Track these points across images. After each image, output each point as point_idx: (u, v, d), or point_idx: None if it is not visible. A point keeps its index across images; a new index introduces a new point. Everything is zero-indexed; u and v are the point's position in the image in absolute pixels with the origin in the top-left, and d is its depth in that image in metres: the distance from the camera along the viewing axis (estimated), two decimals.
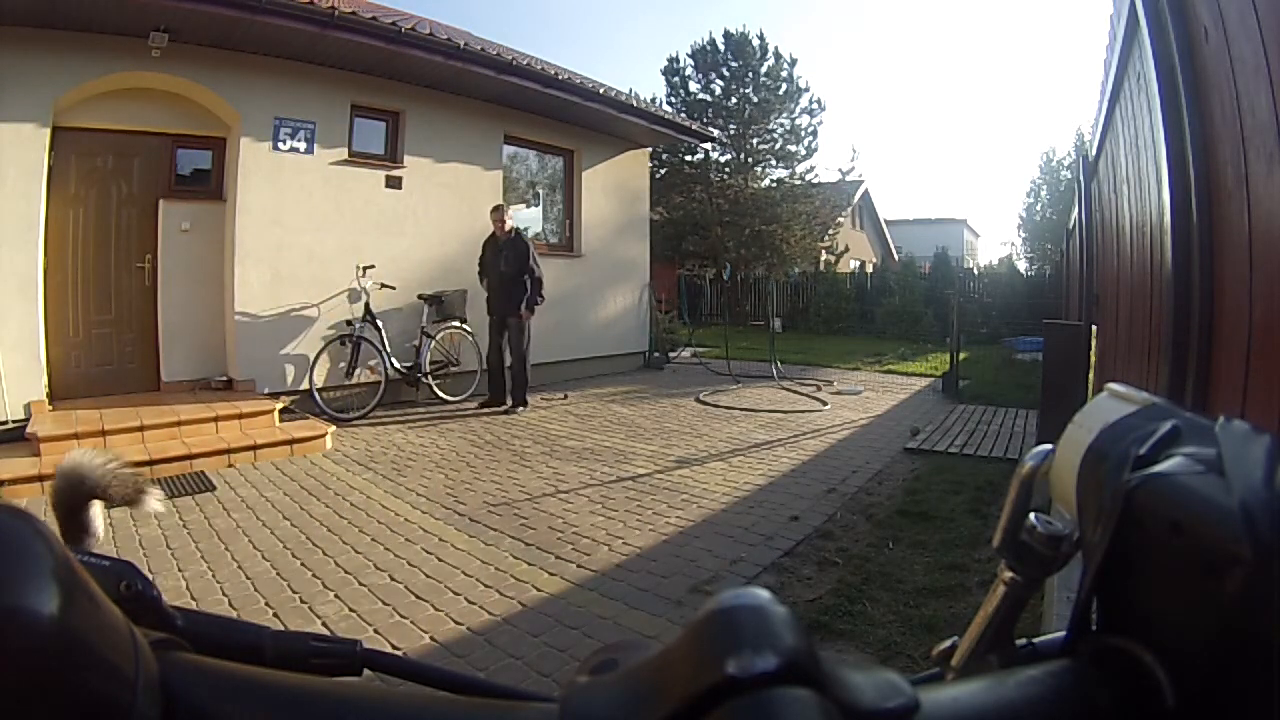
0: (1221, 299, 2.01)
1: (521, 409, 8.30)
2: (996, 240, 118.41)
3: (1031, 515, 0.43)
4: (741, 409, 8.79)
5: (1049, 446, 0.43)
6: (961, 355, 10.80)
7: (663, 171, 23.23)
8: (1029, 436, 7.24)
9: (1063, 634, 0.38)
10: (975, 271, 25.89)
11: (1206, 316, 2.08)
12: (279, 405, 6.89)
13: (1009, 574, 0.45)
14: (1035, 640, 0.44)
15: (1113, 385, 0.40)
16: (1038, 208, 34.27)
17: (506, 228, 8.12)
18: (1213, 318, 2.07)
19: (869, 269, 28.04)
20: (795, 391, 10.17)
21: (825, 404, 9.12)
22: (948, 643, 0.48)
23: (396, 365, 8.00)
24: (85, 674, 0.27)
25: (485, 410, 8.32)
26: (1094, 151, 6.26)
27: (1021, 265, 30.38)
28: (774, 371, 11.37)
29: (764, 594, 0.29)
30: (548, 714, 0.31)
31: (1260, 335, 1.66)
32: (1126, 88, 3.84)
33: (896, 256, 33.87)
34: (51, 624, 0.26)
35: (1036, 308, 16.30)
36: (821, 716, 0.25)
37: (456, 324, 8.49)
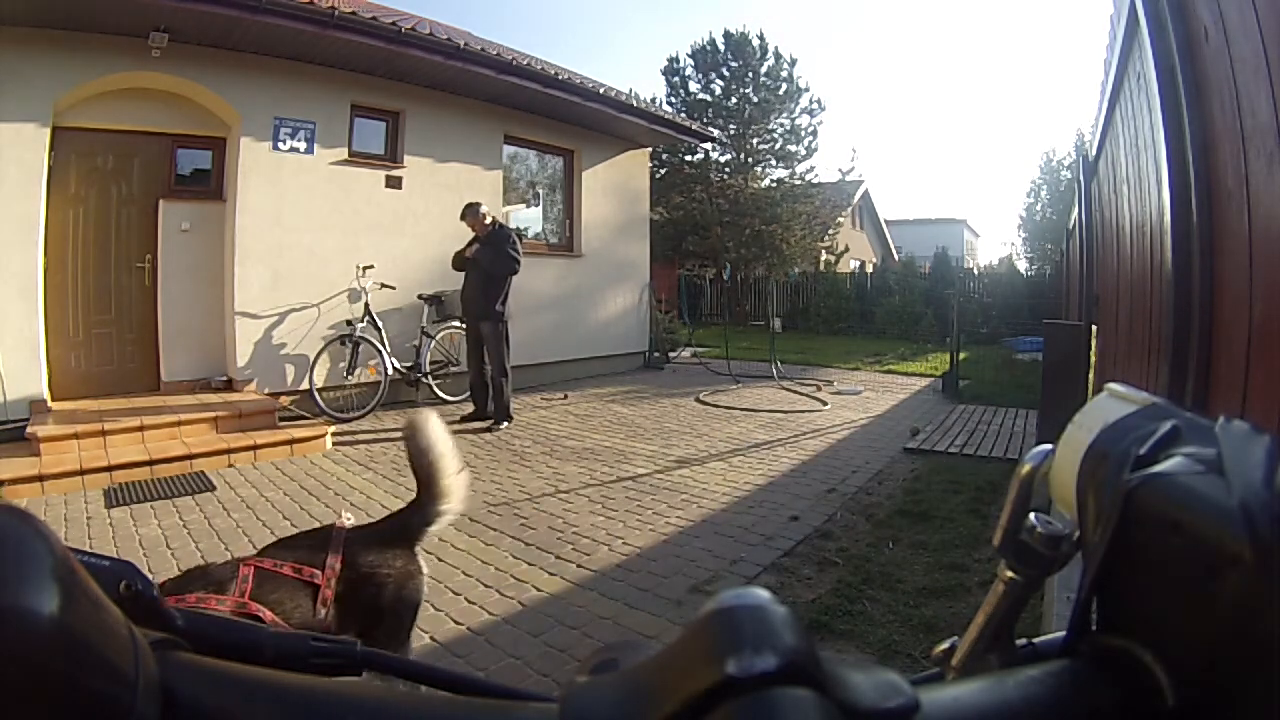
0: (1221, 299, 2.01)
1: (505, 424, 7.57)
2: (996, 240, 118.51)
3: (1031, 515, 0.43)
4: (741, 409, 8.79)
5: (1049, 446, 0.43)
6: (961, 355, 10.81)
7: (663, 171, 23.26)
8: (1029, 436, 7.24)
9: (1063, 634, 0.38)
10: (975, 271, 25.89)
11: (1206, 316, 2.08)
12: (279, 405, 6.89)
13: (1009, 574, 0.45)
14: (1035, 640, 0.44)
15: (1113, 385, 0.40)
16: (1038, 208, 34.19)
17: (486, 223, 7.44)
18: (1213, 317, 2.07)
19: (869, 269, 28.03)
20: (795, 391, 10.17)
21: (825, 404, 9.12)
22: (948, 643, 0.49)
23: (396, 365, 7.98)
24: (85, 674, 0.27)
25: (469, 425, 7.59)
26: (1094, 151, 6.26)
27: (1021, 265, 30.34)
28: (774, 371, 11.37)
29: (764, 594, 0.29)
30: (548, 714, 0.31)
31: (1260, 335, 1.66)
32: (1126, 88, 3.84)
33: (897, 256, 33.87)
34: (51, 624, 0.26)
35: (1036, 308, 16.32)
36: (821, 716, 0.25)
37: (456, 324, 8.42)
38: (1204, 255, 2.07)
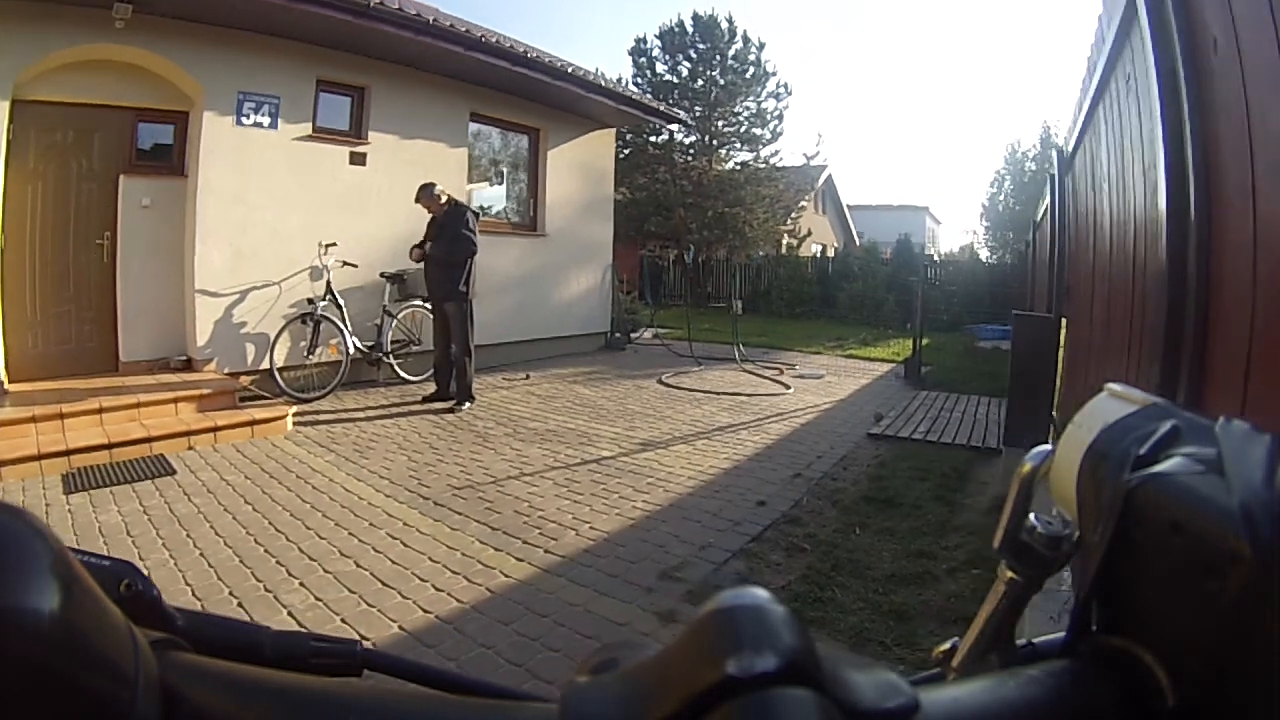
0: (1220, 298, 2.02)
1: (467, 404, 7.58)
2: (958, 228, 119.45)
3: (1031, 515, 0.43)
4: (704, 391, 8.83)
5: (1049, 447, 0.43)
6: (924, 341, 10.91)
7: (627, 152, 23.11)
8: (992, 424, 7.34)
9: (1063, 634, 0.38)
10: (937, 258, 26.11)
11: (1202, 316, 2.10)
12: (239, 385, 6.81)
13: (1009, 574, 0.45)
14: (1035, 640, 0.44)
15: (1112, 385, 0.40)
16: (1000, 198, 34.47)
17: (442, 202, 7.51)
18: (1209, 317, 2.08)
19: (831, 253, 28.15)
20: (758, 374, 10.24)
21: (789, 388, 9.18)
22: (948, 643, 0.49)
23: (358, 344, 7.90)
24: (85, 674, 0.27)
25: (431, 406, 7.60)
26: (1071, 146, 6.29)
27: (983, 254, 30.66)
28: (736, 354, 11.43)
29: (763, 594, 0.29)
30: (547, 714, 0.31)
31: (1260, 335, 1.67)
32: (1113, 88, 3.85)
33: (858, 242, 34.06)
34: (51, 623, 0.26)
35: (998, 296, 16.52)
36: (821, 716, 0.25)
37: (419, 303, 8.34)
38: (1201, 254, 2.08)
